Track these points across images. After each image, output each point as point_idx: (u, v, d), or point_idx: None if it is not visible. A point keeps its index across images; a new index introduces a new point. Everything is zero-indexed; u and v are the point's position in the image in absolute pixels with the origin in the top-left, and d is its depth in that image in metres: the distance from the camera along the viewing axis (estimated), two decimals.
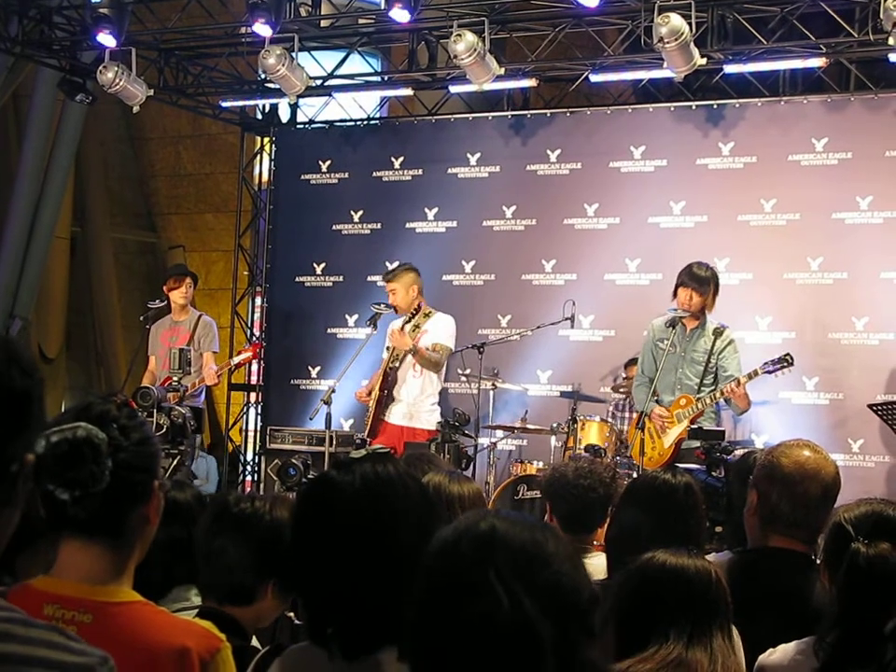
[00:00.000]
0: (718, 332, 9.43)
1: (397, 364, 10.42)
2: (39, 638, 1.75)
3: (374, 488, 2.56)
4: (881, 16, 9.35)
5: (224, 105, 13.32)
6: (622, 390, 11.08)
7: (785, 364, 9.12)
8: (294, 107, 13.53)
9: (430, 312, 10.63)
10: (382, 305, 10.46)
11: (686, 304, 9.37)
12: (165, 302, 10.99)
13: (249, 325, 13.90)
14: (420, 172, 12.61)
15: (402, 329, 10.42)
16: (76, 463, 2.55)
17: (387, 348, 10.55)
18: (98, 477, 2.55)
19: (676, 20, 9.65)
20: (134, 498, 2.67)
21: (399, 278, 10.59)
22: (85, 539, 2.65)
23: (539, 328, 11.15)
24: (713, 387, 9.42)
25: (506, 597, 1.84)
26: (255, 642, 3.53)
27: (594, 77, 11.44)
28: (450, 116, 12.70)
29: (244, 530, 3.46)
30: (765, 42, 10.52)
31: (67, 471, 2.54)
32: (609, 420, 10.64)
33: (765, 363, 9.15)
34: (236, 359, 11.24)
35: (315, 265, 12.98)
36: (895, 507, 3.34)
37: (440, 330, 10.44)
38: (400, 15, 10.23)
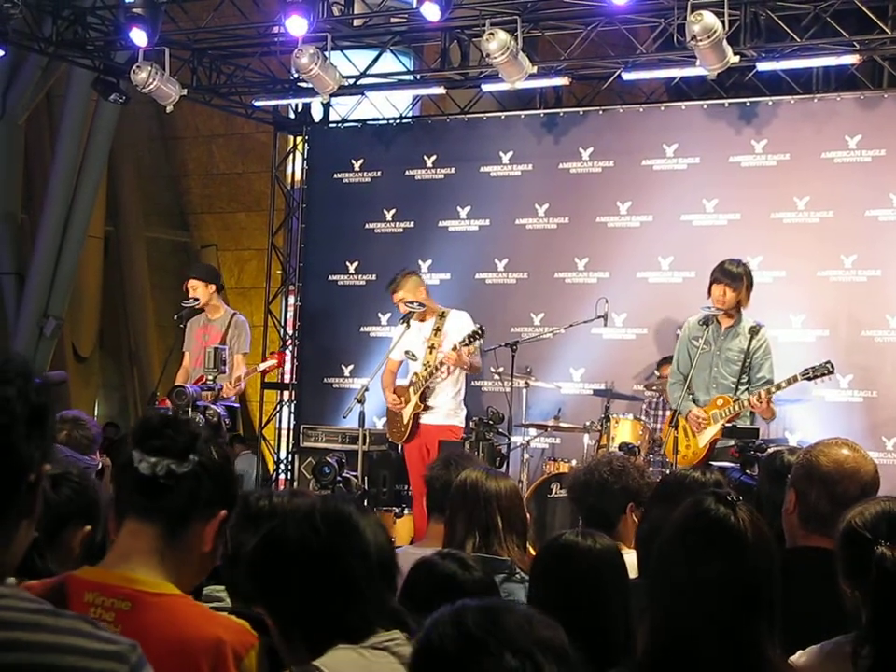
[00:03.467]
0: (754, 331, 9.40)
1: (435, 378, 10.42)
2: (68, 627, 1.81)
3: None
4: None
5: (257, 104, 13.36)
6: (654, 388, 11.07)
7: (826, 372, 9.09)
8: (327, 106, 13.56)
9: (444, 312, 10.66)
10: (415, 304, 10.48)
11: (721, 301, 9.35)
12: (199, 301, 11.01)
13: (282, 324, 13.94)
14: (452, 170, 12.62)
15: (432, 336, 10.45)
16: (168, 432, 2.65)
17: (407, 352, 10.51)
18: (183, 453, 2.66)
19: (708, 17, 9.63)
20: (200, 503, 2.74)
21: (403, 285, 10.57)
22: (144, 524, 2.71)
23: (571, 326, 11.15)
24: (748, 387, 9.40)
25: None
26: None
27: (626, 76, 11.43)
28: (482, 114, 12.71)
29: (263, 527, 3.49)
30: (798, 39, 10.49)
31: (156, 439, 2.65)
32: (643, 418, 10.65)
33: (805, 370, 9.10)
34: (262, 366, 11.26)
35: (347, 264, 13.01)
36: None
37: (462, 332, 10.43)
38: (431, 11, 10.22)
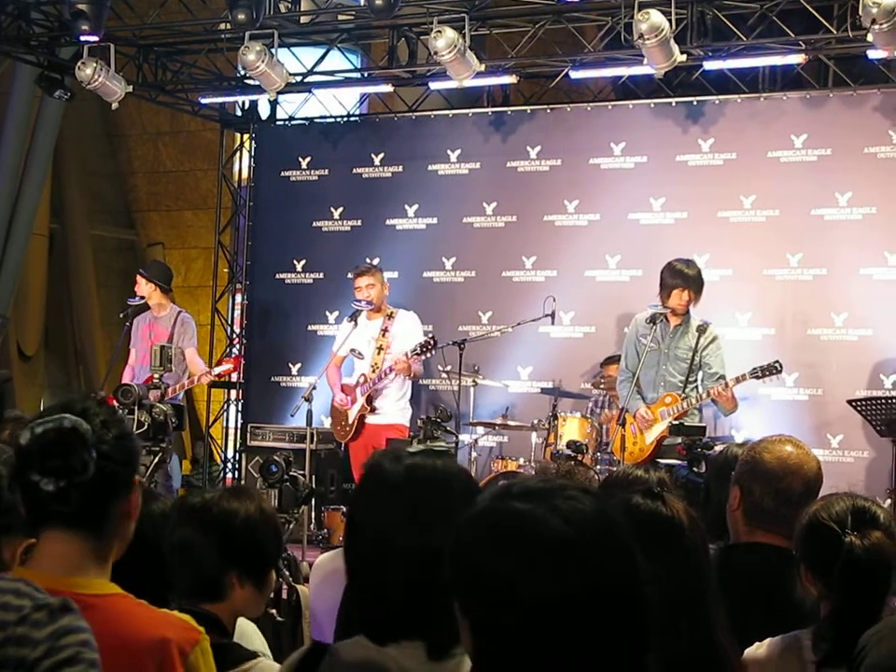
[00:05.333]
0: (702, 329, 9.44)
1: (383, 382, 10.43)
2: (6, 588, 1.83)
3: (416, 481, 2.55)
4: (859, 12, 9.36)
5: (203, 101, 13.29)
6: (602, 386, 11.09)
7: (773, 371, 9.14)
8: (274, 104, 13.50)
9: (392, 312, 10.68)
10: (362, 303, 10.48)
11: (683, 305, 9.40)
12: (144, 300, 10.95)
13: (230, 322, 13.89)
14: (400, 168, 12.60)
15: (380, 336, 10.47)
16: (63, 452, 2.58)
17: (353, 350, 10.51)
18: (84, 466, 2.57)
19: (656, 16, 9.67)
20: (116, 491, 2.67)
21: (375, 274, 10.63)
22: (66, 532, 2.64)
23: (519, 324, 11.16)
24: (695, 384, 9.44)
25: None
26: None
27: (574, 74, 11.46)
28: (430, 112, 12.70)
29: (198, 524, 3.47)
30: (745, 39, 10.55)
31: (54, 460, 2.56)
32: (590, 416, 10.67)
33: (754, 369, 9.15)
34: (216, 370, 11.21)
35: (295, 262, 12.97)
36: (864, 497, 3.38)
37: (411, 335, 10.44)
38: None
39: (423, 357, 10.34)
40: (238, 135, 14.04)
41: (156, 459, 8.69)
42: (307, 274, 12.93)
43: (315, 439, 10.51)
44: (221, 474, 13.48)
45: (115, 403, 8.69)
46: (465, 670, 2.44)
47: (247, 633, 3.69)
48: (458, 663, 2.46)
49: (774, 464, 3.98)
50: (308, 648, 2.74)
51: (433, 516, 2.48)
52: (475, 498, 2.48)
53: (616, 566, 1.87)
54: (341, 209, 12.78)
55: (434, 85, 12.19)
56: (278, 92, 11.79)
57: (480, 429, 11.24)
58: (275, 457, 7.97)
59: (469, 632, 1.89)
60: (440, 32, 10.29)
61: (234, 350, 13.52)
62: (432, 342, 10.15)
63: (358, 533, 2.59)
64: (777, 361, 9.18)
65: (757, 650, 3.39)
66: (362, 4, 10.94)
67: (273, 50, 11.04)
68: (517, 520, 1.89)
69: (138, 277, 11.02)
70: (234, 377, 13.21)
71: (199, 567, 3.45)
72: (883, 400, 9.64)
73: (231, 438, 13.59)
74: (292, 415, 10.91)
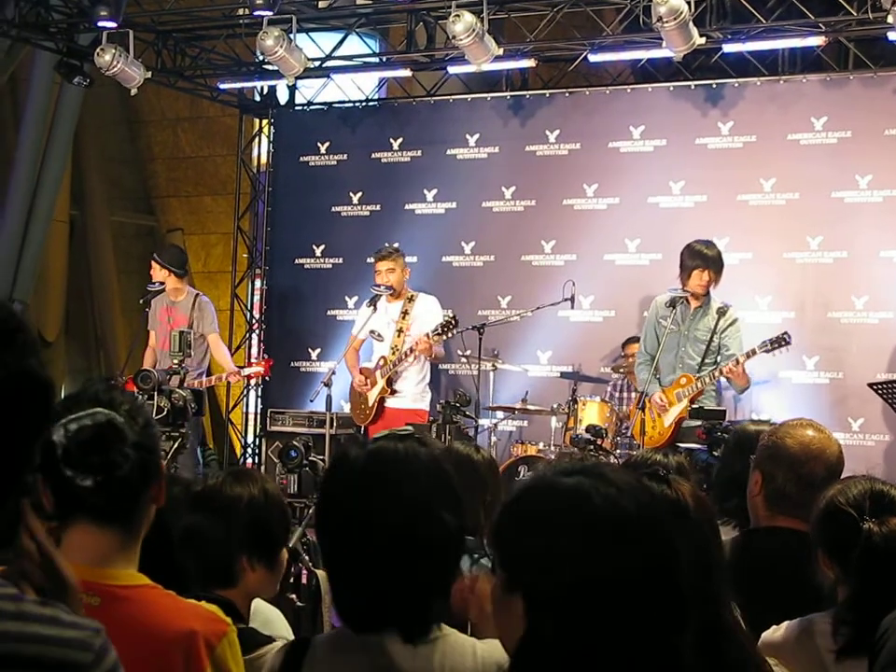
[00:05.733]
0: (721, 311, 9.45)
1: (404, 363, 10.47)
2: (32, 613, 1.76)
3: (376, 465, 2.57)
4: None
5: (222, 87, 13.29)
6: (621, 370, 11.09)
7: (782, 343, 9.14)
8: (292, 89, 13.49)
9: (413, 295, 10.73)
10: (381, 287, 10.50)
11: (703, 286, 9.40)
12: (163, 286, 10.98)
13: (249, 307, 13.89)
14: (419, 153, 12.60)
15: (400, 319, 10.51)
16: (101, 448, 2.56)
17: (372, 332, 10.56)
18: (123, 460, 2.57)
19: None
20: (147, 480, 2.67)
21: (396, 259, 10.69)
22: (96, 523, 2.64)
23: (538, 308, 11.16)
24: (714, 366, 9.43)
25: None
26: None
27: (592, 58, 11.42)
28: (448, 97, 12.68)
29: (204, 510, 3.49)
30: (764, 21, 10.50)
31: (92, 457, 2.55)
32: (609, 401, 10.67)
33: (763, 342, 9.19)
34: (246, 371, 11.22)
35: (314, 247, 12.98)
36: (882, 481, 3.37)
37: (432, 316, 10.50)
38: None
39: (444, 338, 10.35)
40: (257, 121, 14.03)
41: (175, 445, 8.70)
42: (326, 259, 12.94)
43: (334, 424, 10.53)
44: (241, 459, 13.47)
45: (134, 388, 8.72)
46: (441, 653, 2.49)
47: (272, 619, 3.71)
48: (433, 647, 2.51)
49: (796, 449, 3.96)
50: (291, 642, 2.79)
51: (395, 499, 2.52)
52: (443, 479, 2.52)
53: (661, 536, 1.91)
54: (360, 194, 12.78)
55: (452, 69, 12.17)
56: (297, 77, 11.80)
57: (499, 414, 11.24)
58: (295, 442, 7.98)
59: (517, 605, 1.90)
60: (458, 16, 10.27)
61: (254, 336, 13.54)
62: (453, 321, 10.17)
63: (327, 520, 2.63)
64: (786, 332, 9.18)
65: (774, 633, 3.39)
66: None
67: (291, 36, 11.04)
68: (566, 494, 1.91)
69: (153, 262, 11.07)
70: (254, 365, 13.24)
71: (208, 553, 3.46)
72: None
73: (251, 423, 13.61)
74: (312, 400, 10.94)
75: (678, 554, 1.90)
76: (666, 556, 1.88)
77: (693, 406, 9.08)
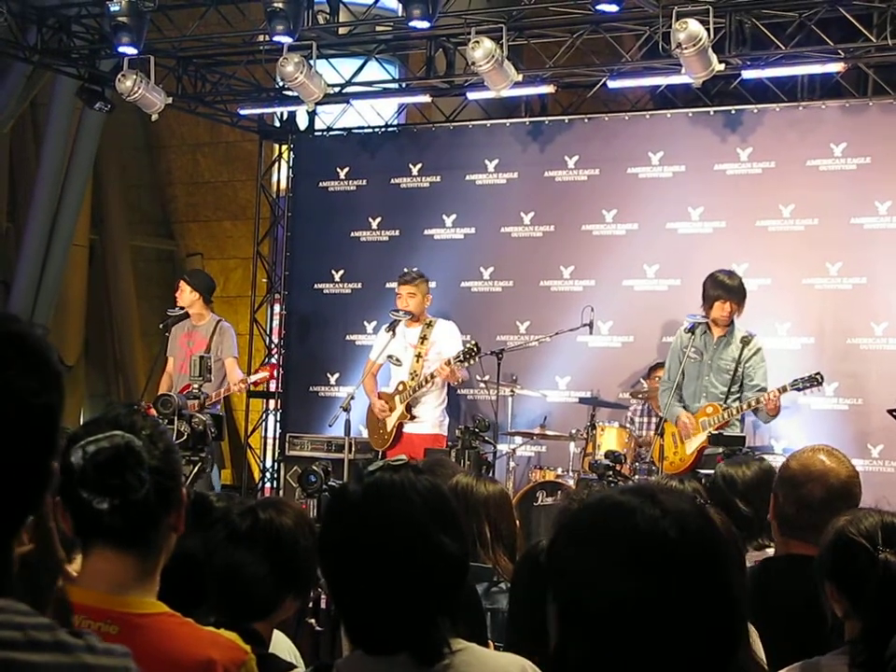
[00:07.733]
0: (745, 341, 9.46)
1: (423, 390, 10.49)
2: (66, 643, 1.71)
3: (375, 497, 2.58)
4: None
5: (242, 112, 13.34)
6: (640, 396, 11.07)
7: (815, 383, 9.18)
8: (312, 115, 13.55)
9: (431, 321, 10.75)
10: (401, 312, 10.52)
11: (726, 318, 9.42)
12: (184, 310, 11.00)
13: (268, 332, 13.92)
14: (438, 178, 12.62)
15: (419, 344, 10.53)
16: (118, 470, 2.56)
17: (390, 357, 10.59)
18: (141, 483, 2.57)
19: (694, 25, 9.65)
20: (167, 506, 2.67)
21: (419, 284, 10.72)
22: (116, 549, 2.64)
23: (557, 334, 11.16)
24: (738, 396, 9.42)
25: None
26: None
27: (611, 84, 11.43)
28: (468, 122, 12.70)
29: (257, 545, 3.42)
30: (783, 47, 10.51)
31: (110, 479, 2.55)
32: (628, 426, 10.65)
33: (795, 380, 9.20)
34: (252, 378, 11.25)
35: (333, 272, 13.00)
36: (891, 513, 3.30)
37: (451, 342, 10.53)
38: (421, 24, 10.25)
39: (466, 364, 10.36)
40: (276, 146, 14.08)
41: (195, 469, 8.70)
42: (345, 284, 12.96)
43: (353, 448, 10.54)
44: (260, 484, 13.48)
45: (154, 413, 8.73)
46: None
47: (276, 641, 3.67)
48: (447, 665, 2.51)
49: (797, 469, 3.98)
50: (315, 667, 2.80)
51: (392, 528, 2.53)
52: (441, 505, 2.54)
53: (703, 568, 1.85)
54: (378, 219, 12.81)
55: (472, 95, 12.20)
56: (316, 103, 11.85)
57: (518, 439, 11.23)
58: (314, 467, 7.97)
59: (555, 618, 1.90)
60: (477, 42, 10.30)
61: (273, 360, 13.56)
62: (475, 348, 10.18)
63: (328, 555, 2.64)
64: (819, 373, 9.19)
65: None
66: (400, 14, 10.96)
67: (311, 62, 11.08)
68: (609, 509, 1.89)
69: (182, 283, 11.07)
70: (273, 386, 13.25)
71: (251, 591, 3.41)
72: None
73: (269, 448, 13.62)
74: (330, 425, 10.95)
75: (722, 590, 1.85)
76: (703, 588, 1.83)
77: (713, 433, 9.07)
